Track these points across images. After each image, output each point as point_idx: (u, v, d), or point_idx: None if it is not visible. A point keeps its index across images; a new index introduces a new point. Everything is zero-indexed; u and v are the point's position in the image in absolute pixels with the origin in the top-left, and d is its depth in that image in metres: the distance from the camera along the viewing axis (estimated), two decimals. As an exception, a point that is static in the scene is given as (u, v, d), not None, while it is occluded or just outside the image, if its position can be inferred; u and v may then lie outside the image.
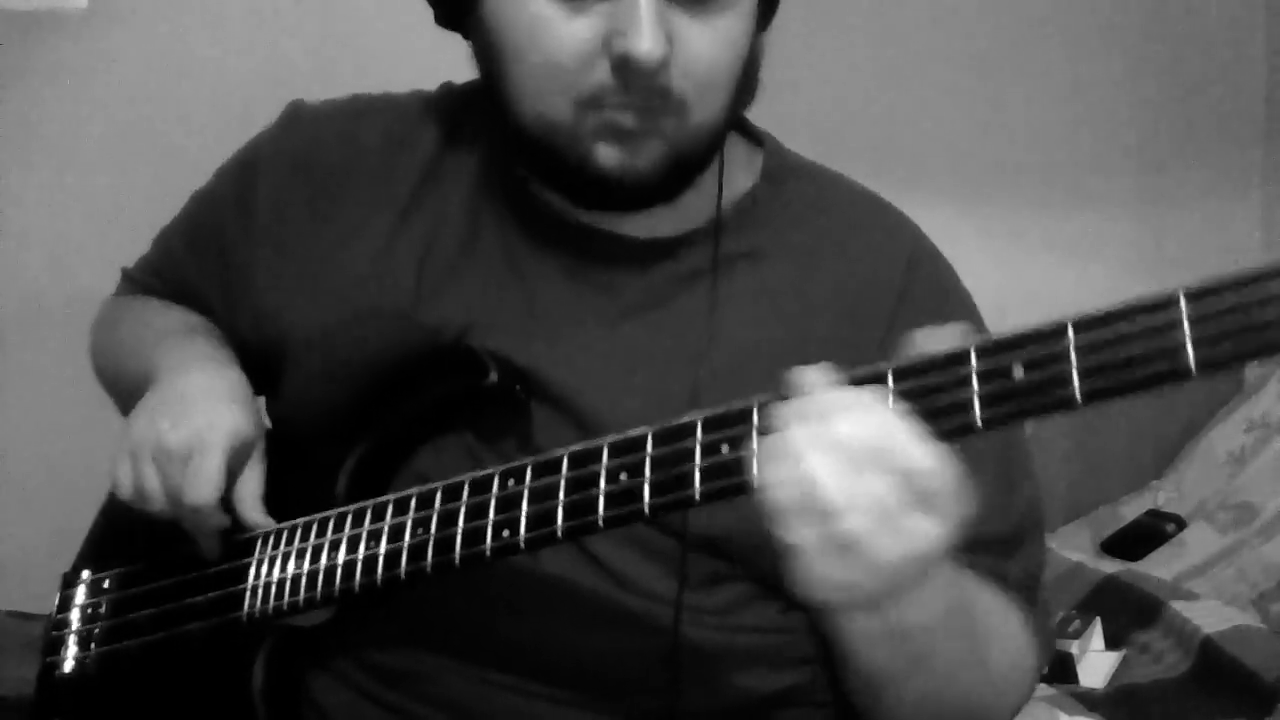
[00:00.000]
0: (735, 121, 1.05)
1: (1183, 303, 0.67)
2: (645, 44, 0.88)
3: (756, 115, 1.11)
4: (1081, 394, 0.70)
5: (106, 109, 2.25)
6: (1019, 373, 0.71)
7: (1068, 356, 0.70)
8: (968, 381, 0.73)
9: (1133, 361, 0.69)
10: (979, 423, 0.72)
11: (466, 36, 1.00)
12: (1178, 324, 0.67)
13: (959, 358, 0.73)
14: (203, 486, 0.99)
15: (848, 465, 0.72)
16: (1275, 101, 2.81)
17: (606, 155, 0.93)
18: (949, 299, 1.06)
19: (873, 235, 1.06)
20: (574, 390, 0.99)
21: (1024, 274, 2.63)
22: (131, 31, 2.24)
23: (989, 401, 0.72)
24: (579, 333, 1.00)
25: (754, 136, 1.09)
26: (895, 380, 0.75)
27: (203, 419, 1.00)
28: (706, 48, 0.92)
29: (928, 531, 0.73)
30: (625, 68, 0.89)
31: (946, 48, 2.63)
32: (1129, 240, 2.79)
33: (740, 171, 1.05)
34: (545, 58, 0.91)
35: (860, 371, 0.76)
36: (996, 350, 0.72)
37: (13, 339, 2.26)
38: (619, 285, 1.01)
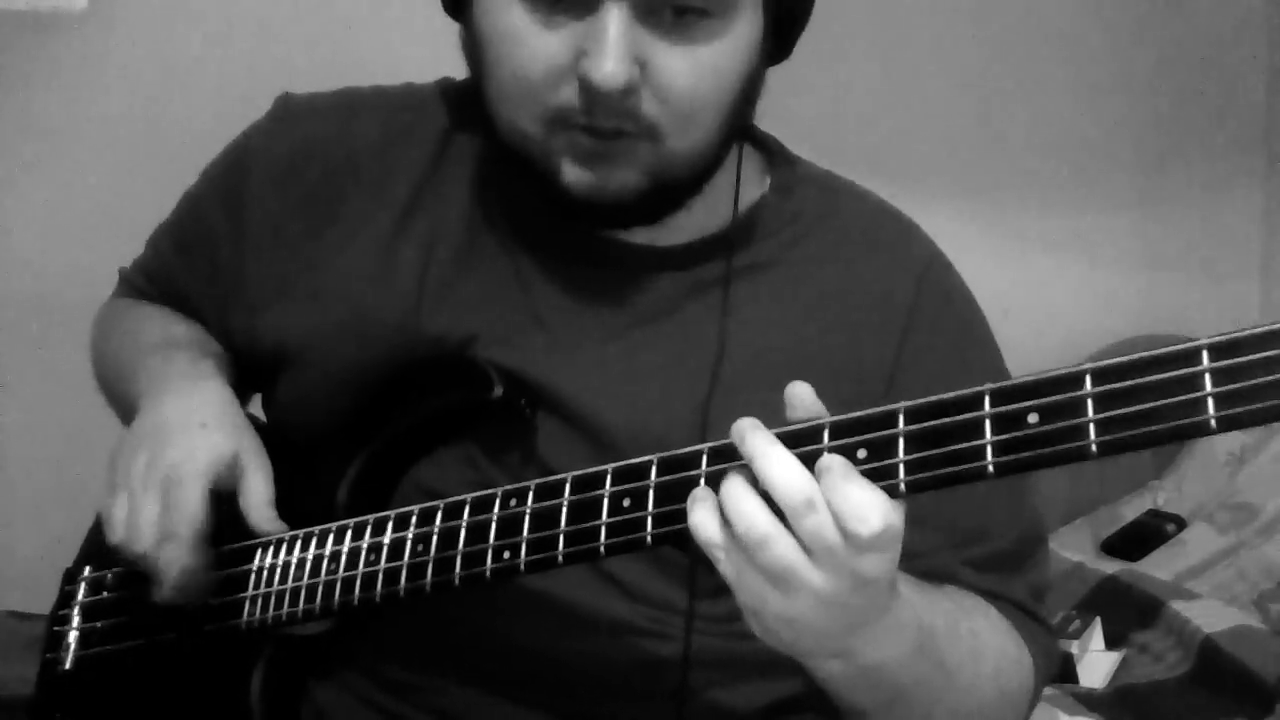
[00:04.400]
0: (748, 133, 1.03)
1: (1205, 357, 0.65)
2: (607, 67, 0.86)
3: (758, 116, 1.11)
4: (1098, 445, 0.68)
5: (106, 109, 2.25)
6: (1033, 419, 0.70)
7: (1084, 406, 0.68)
8: (980, 427, 0.71)
9: (1151, 415, 0.67)
10: (991, 469, 0.71)
11: (464, 29, 0.98)
12: (1199, 379, 0.65)
13: (973, 401, 0.72)
14: (174, 522, 0.97)
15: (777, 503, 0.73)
16: (1275, 101, 2.81)
17: (574, 175, 0.91)
18: (961, 315, 1.05)
19: (885, 248, 1.04)
20: (581, 402, 0.97)
21: (1024, 274, 2.63)
22: (131, 31, 2.24)
23: (1001, 449, 0.71)
24: (585, 343, 0.99)
25: (762, 144, 1.07)
26: (907, 421, 0.74)
27: (176, 452, 0.99)
28: (683, 76, 0.89)
29: (873, 567, 0.74)
30: (589, 90, 0.87)
31: (947, 49, 2.63)
32: (1129, 240, 2.79)
33: (748, 182, 1.03)
34: (516, 71, 0.90)
35: (874, 411, 0.75)
36: (1012, 396, 0.71)
37: (13, 339, 2.25)
38: (625, 295, 1.00)
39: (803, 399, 0.77)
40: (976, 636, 0.92)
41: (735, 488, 0.74)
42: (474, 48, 0.95)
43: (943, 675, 0.87)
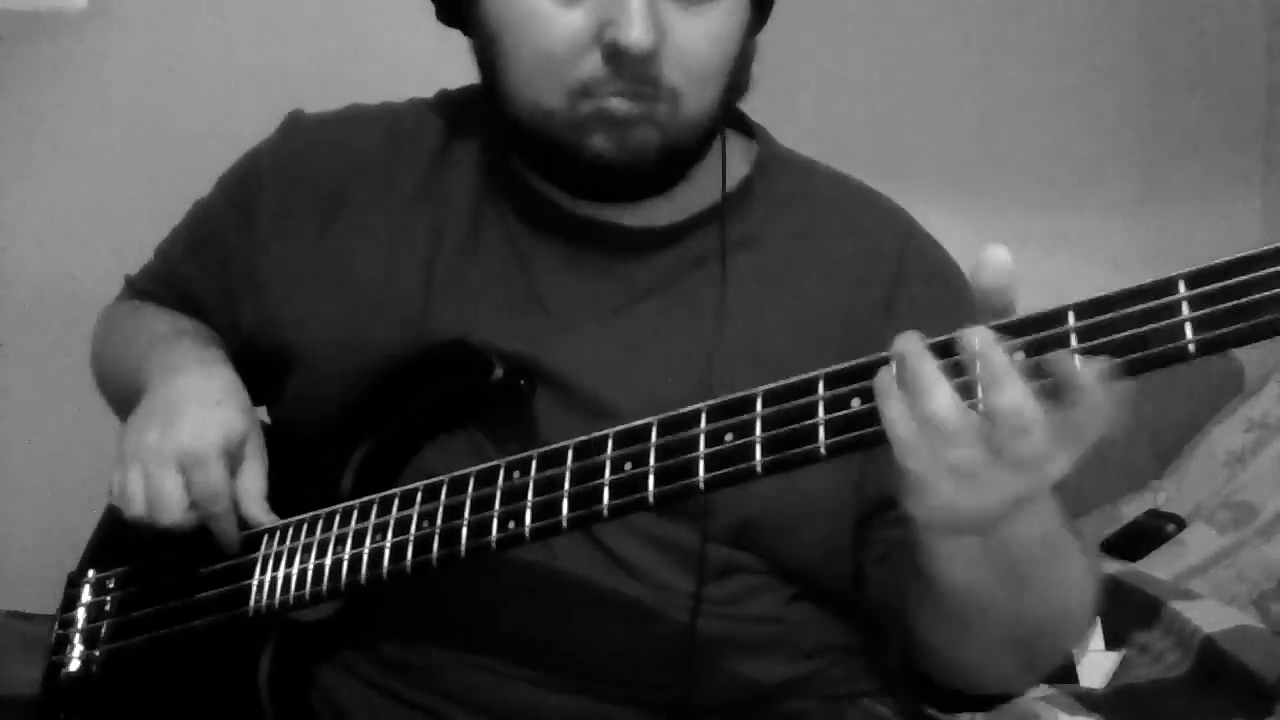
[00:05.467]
0: (733, 116, 1.07)
1: (1182, 286, 0.69)
2: (635, 32, 0.91)
3: (757, 115, 1.12)
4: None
5: (106, 109, 2.25)
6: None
7: (1068, 339, 0.72)
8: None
9: (1136, 343, 0.70)
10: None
11: (466, 33, 1.03)
12: (1177, 307, 0.69)
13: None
14: (211, 492, 1.00)
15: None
16: (1275, 101, 2.80)
17: (600, 142, 0.95)
18: (944, 275, 1.07)
19: (866, 217, 1.08)
20: (583, 379, 1.00)
21: (1024, 274, 2.62)
22: (131, 31, 2.24)
23: None
24: (585, 322, 1.02)
25: (747, 129, 1.11)
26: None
27: (190, 425, 1.01)
28: (696, 40, 0.95)
29: (1059, 470, 0.74)
30: (616, 57, 0.92)
31: (946, 48, 2.63)
32: (1129, 240, 2.79)
33: (734, 161, 1.07)
34: (539, 49, 0.94)
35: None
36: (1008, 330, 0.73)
37: (13, 339, 2.26)
38: (622, 274, 1.03)
39: (997, 258, 0.76)
40: (1070, 535, 0.91)
41: (933, 381, 0.73)
42: (486, 41, 0.99)
43: (1059, 569, 0.87)
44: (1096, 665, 1.95)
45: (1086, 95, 2.72)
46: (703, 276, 1.03)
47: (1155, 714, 1.82)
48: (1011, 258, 0.76)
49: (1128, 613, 2.05)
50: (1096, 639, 2.00)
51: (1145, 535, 2.40)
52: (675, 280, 1.03)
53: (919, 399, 0.73)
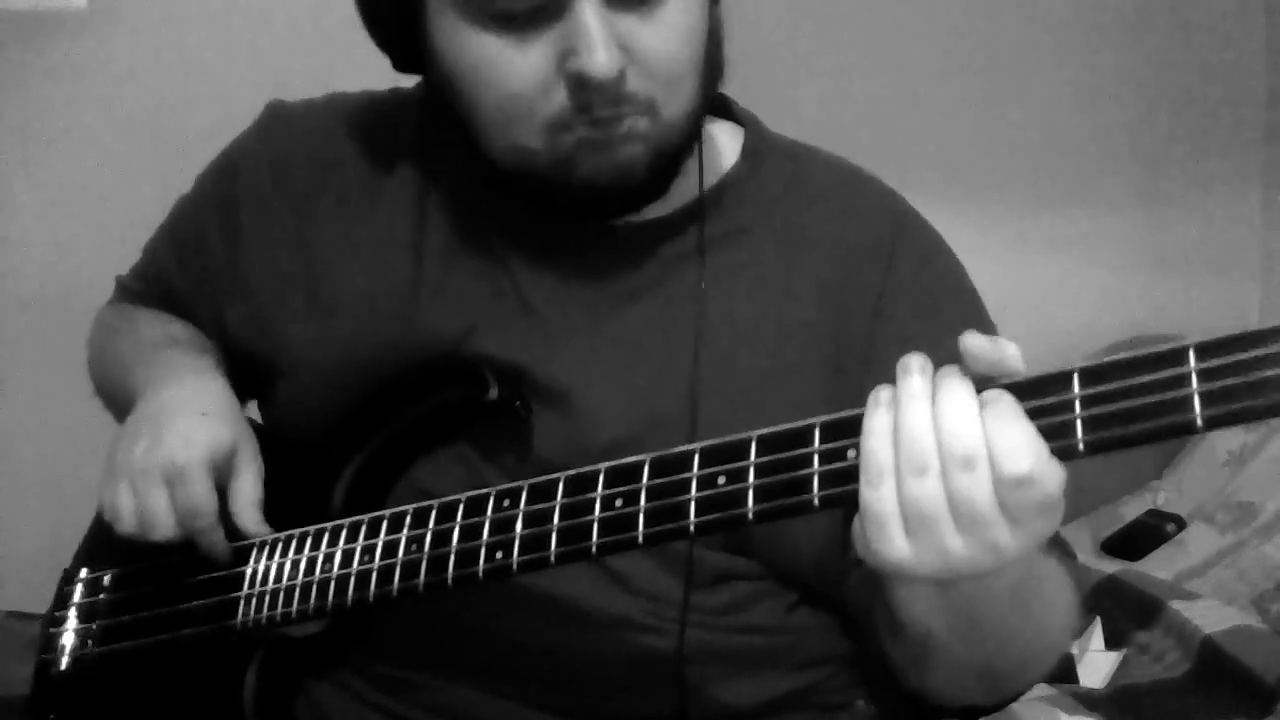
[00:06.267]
0: (719, 104, 1.04)
1: (1191, 357, 0.66)
2: (599, 59, 0.86)
3: (756, 111, 1.11)
4: (1085, 444, 0.69)
5: (106, 109, 2.25)
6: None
7: (1073, 406, 0.69)
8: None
9: (1139, 414, 0.68)
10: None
11: (428, 79, 0.99)
12: (1186, 379, 0.66)
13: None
14: (194, 507, 0.98)
15: (946, 440, 0.70)
16: (1275, 101, 2.81)
17: (587, 170, 0.92)
18: (937, 265, 1.05)
19: (855, 206, 1.05)
20: (573, 386, 0.98)
21: (1024, 274, 2.63)
22: (131, 31, 2.24)
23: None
24: (571, 326, 1.00)
25: (736, 117, 1.08)
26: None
27: (175, 438, 0.99)
28: (660, 45, 0.90)
29: (1005, 543, 0.71)
30: (583, 86, 0.88)
31: (947, 48, 2.63)
32: (1129, 240, 2.79)
33: (722, 152, 1.04)
34: (503, 94, 0.90)
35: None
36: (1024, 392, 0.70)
37: (12, 339, 2.26)
38: (610, 274, 1.01)
39: (981, 348, 0.72)
40: (1047, 578, 0.89)
41: (916, 395, 0.71)
42: (447, 87, 0.95)
43: (1025, 614, 0.84)
44: (1096, 665, 1.95)
45: (1087, 95, 2.72)
46: (688, 274, 1.00)
47: (1155, 714, 1.82)
48: (992, 344, 0.72)
49: (1128, 613, 2.05)
50: (1096, 639, 2.00)
51: (1145, 535, 2.40)
52: (663, 279, 1.01)
53: (899, 411, 0.71)
